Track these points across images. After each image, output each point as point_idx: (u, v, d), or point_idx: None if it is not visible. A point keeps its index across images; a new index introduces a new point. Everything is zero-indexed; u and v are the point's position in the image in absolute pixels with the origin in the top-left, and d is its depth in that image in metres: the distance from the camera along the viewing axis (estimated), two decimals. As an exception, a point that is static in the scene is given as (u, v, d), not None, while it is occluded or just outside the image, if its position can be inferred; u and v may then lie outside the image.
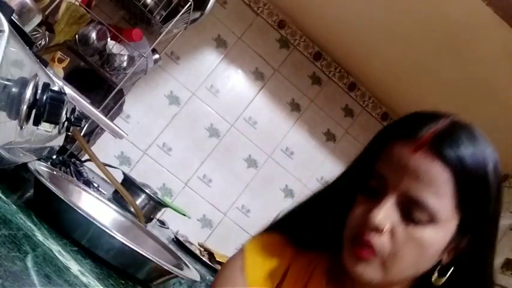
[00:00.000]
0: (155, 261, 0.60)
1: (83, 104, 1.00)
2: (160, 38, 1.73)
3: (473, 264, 0.64)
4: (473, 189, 0.59)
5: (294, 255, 0.73)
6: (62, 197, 0.55)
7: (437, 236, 0.60)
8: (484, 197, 0.60)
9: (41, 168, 0.68)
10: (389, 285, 0.64)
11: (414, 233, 0.59)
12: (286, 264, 0.72)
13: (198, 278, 0.72)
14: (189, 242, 1.80)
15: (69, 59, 1.56)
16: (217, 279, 0.73)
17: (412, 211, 0.59)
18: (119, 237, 0.57)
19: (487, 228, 0.64)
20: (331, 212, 0.70)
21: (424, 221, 0.59)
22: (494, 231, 0.66)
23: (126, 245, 0.57)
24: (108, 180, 1.07)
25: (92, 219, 0.56)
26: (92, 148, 1.32)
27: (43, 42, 1.21)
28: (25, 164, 0.63)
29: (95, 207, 0.80)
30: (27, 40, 0.60)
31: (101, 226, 0.56)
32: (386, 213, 0.59)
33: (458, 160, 0.58)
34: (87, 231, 0.57)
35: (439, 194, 0.58)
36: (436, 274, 0.63)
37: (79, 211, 0.56)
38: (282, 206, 2.58)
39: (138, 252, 0.58)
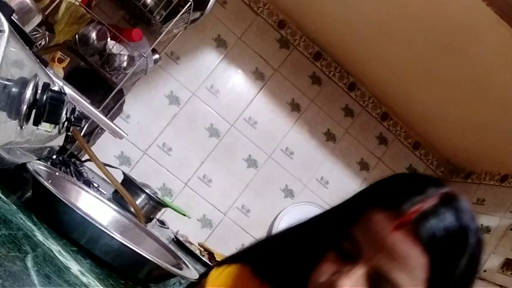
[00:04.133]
0: (155, 261, 0.60)
1: (83, 104, 0.99)
2: (160, 38, 1.73)
3: None
4: (446, 281, 0.56)
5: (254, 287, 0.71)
6: (60, 197, 0.55)
7: None
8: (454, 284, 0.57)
9: (40, 168, 0.68)
10: None
11: None
12: None
13: (197, 278, 0.72)
14: (189, 242, 1.80)
15: (69, 59, 1.56)
16: None
17: (381, 286, 0.56)
18: (117, 237, 0.57)
19: None
20: (299, 254, 0.68)
21: None
22: None
23: (125, 245, 0.57)
24: (108, 180, 1.07)
25: (90, 219, 0.56)
26: (92, 148, 1.32)
27: (43, 42, 1.21)
28: (25, 164, 0.63)
29: (95, 207, 0.80)
30: (27, 40, 0.60)
31: (99, 226, 0.56)
32: (354, 284, 0.57)
33: (440, 248, 0.55)
34: (86, 232, 0.57)
35: (413, 277, 0.56)
36: None
37: (77, 211, 0.56)
38: (282, 206, 2.57)
39: (138, 253, 0.58)
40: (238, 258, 0.75)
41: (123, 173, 1.51)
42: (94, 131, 1.79)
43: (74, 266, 0.50)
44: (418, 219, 0.55)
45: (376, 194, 0.63)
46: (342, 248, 0.60)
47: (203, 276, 0.73)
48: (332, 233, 0.63)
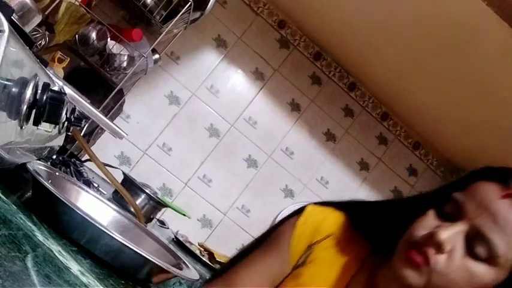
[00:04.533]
0: (155, 261, 0.60)
1: (83, 104, 0.99)
2: (160, 38, 1.73)
3: None
4: None
5: (341, 230, 0.81)
6: (60, 197, 0.55)
7: (487, 277, 0.64)
8: None
9: (40, 168, 0.68)
10: None
11: (470, 265, 0.63)
12: (330, 232, 0.81)
13: (197, 278, 0.72)
14: (189, 242, 1.80)
15: (69, 59, 1.56)
16: (275, 228, 0.86)
17: (476, 245, 0.63)
18: (117, 237, 0.57)
19: None
20: (397, 215, 0.77)
21: (482, 259, 0.63)
22: None
23: (125, 245, 0.57)
24: (108, 180, 1.07)
25: (90, 219, 0.56)
26: (92, 148, 1.32)
27: (43, 42, 1.21)
28: (25, 164, 0.63)
29: (95, 207, 0.80)
30: (27, 40, 0.60)
31: (99, 226, 0.56)
32: (453, 236, 0.63)
33: None
34: (86, 232, 0.57)
35: (508, 242, 0.62)
36: None
37: (77, 211, 0.56)
38: (282, 206, 2.57)
39: (138, 253, 0.58)
40: (337, 205, 0.85)
41: (123, 173, 1.51)
42: (94, 131, 1.79)
43: (74, 266, 0.50)
44: None
45: (486, 171, 0.70)
46: (443, 209, 0.68)
47: (300, 211, 0.84)
48: (436, 196, 0.71)
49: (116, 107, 1.89)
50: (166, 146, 2.17)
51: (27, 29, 0.98)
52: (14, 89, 0.51)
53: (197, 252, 1.70)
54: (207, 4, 1.83)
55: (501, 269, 0.63)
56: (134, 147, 2.13)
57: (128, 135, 1.65)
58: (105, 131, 1.71)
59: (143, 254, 0.58)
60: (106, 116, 1.60)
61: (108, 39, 1.70)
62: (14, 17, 0.59)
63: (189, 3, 1.69)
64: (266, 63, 2.25)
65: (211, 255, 1.77)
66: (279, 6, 2.22)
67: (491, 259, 0.62)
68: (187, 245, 1.70)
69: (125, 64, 1.72)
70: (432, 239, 0.63)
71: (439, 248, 0.63)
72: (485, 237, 0.62)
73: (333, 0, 1.87)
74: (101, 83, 1.79)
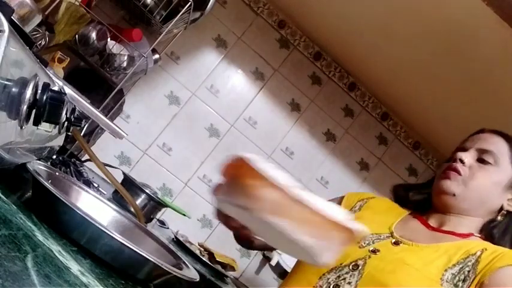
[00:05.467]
0: (155, 261, 0.60)
1: (83, 104, 0.99)
2: (160, 38, 1.73)
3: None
4: None
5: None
6: (60, 197, 0.55)
7: (497, 176, 0.96)
8: None
9: (40, 168, 0.67)
10: (462, 207, 0.97)
11: (484, 167, 0.97)
12: (371, 196, 1.12)
13: (197, 278, 0.72)
14: (189, 242, 1.80)
15: (69, 59, 1.56)
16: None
17: (483, 157, 0.97)
18: (117, 237, 0.57)
19: None
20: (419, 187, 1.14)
21: (491, 163, 0.96)
22: None
23: (125, 245, 0.57)
24: (108, 180, 1.07)
25: (90, 219, 0.56)
26: (92, 148, 1.32)
27: (43, 42, 1.21)
28: (25, 164, 0.63)
29: (95, 207, 0.80)
30: (27, 40, 0.60)
31: (99, 226, 0.56)
32: (468, 155, 0.99)
33: (509, 139, 1.00)
34: (86, 232, 0.57)
35: (497, 147, 0.98)
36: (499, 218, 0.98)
37: (77, 211, 0.56)
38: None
39: (138, 253, 0.58)
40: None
41: (123, 173, 1.51)
42: (94, 131, 1.79)
43: (74, 266, 0.50)
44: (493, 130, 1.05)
45: (466, 138, 1.08)
46: (451, 157, 1.03)
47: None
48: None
49: (116, 107, 1.89)
50: (166, 146, 2.17)
51: (27, 29, 0.98)
52: (14, 89, 0.51)
53: (197, 252, 1.70)
54: (207, 4, 1.83)
55: (504, 168, 0.96)
56: (134, 147, 2.13)
57: (128, 135, 1.65)
58: (105, 131, 1.71)
59: (143, 254, 0.58)
60: (106, 116, 1.60)
61: (108, 39, 1.70)
62: (14, 17, 0.59)
63: (189, 3, 1.69)
64: (266, 63, 2.25)
65: (211, 255, 1.77)
66: (279, 6, 2.22)
67: (495, 162, 0.96)
68: (187, 245, 1.70)
69: (124, 64, 1.72)
70: (456, 159, 0.99)
71: (462, 161, 0.98)
72: (488, 149, 0.97)
73: (333, 1, 1.87)
74: (101, 83, 1.79)
